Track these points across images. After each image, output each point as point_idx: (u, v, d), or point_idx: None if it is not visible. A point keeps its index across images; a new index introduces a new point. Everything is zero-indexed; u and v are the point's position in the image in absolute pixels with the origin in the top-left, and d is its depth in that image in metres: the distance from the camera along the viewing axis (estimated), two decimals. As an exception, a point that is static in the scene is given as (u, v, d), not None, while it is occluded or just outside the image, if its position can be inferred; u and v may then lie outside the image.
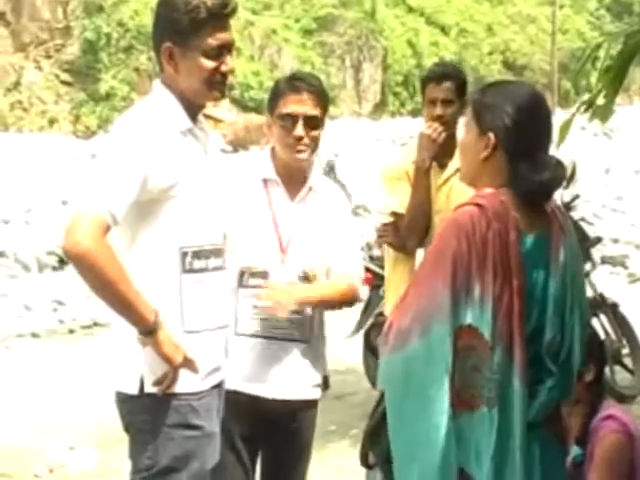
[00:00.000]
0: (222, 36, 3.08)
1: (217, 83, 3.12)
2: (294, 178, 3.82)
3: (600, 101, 3.90)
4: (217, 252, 3.16)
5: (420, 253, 3.05)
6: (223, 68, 3.10)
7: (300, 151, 3.74)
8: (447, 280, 2.60)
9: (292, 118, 3.72)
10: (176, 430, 3.01)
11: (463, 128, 2.93)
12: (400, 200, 4.51)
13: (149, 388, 3.00)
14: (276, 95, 3.82)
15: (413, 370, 2.62)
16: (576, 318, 2.76)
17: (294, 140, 3.73)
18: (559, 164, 2.77)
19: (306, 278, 3.76)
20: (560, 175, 2.76)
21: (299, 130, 3.71)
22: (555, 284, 2.71)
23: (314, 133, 3.75)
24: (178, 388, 3.01)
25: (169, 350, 2.95)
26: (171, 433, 3.00)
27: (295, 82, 3.78)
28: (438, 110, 4.47)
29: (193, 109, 3.13)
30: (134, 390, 3.02)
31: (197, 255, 3.08)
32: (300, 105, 3.72)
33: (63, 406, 7.87)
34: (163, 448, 3.01)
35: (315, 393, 3.86)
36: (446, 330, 2.59)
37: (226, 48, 3.10)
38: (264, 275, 3.73)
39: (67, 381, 8.83)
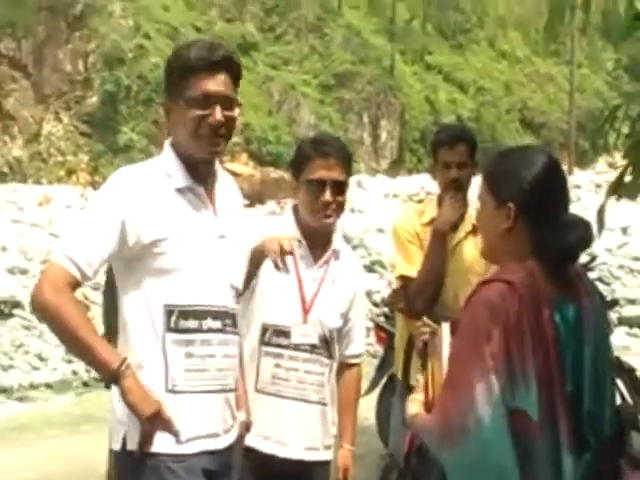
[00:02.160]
0: (208, 86, 3.04)
1: (205, 135, 3.04)
2: (318, 240, 3.83)
3: (627, 178, 3.88)
4: (217, 314, 3.07)
5: (445, 328, 2.95)
6: (210, 119, 3.03)
7: (328, 216, 3.76)
8: (489, 364, 2.52)
9: (320, 184, 3.73)
10: None
11: (477, 202, 2.85)
12: (410, 264, 4.51)
13: (131, 445, 2.96)
14: (302, 159, 3.82)
15: (479, 461, 2.52)
16: (608, 385, 2.72)
17: (322, 205, 3.74)
18: (584, 223, 2.71)
19: (325, 341, 3.78)
20: (587, 234, 2.70)
21: (327, 196, 3.72)
22: (590, 351, 2.65)
23: (341, 198, 3.77)
24: (155, 448, 2.95)
25: (135, 400, 2.89)
26: None
27: (322, 147, 3.78)
28: (453, 174, 4.48)
29: (196, 167, 3.09)
30: (118, 446, 2.99)
31: (185, 315, 3.01)
32: (328, 171, 3.73)
33: (74, 461, 7.83)
34: None
35: (327, 454, 3.87)
36: (501, 414, 2.52)
37: (214, 99, 3.04)
38: (287, 334, 3.74)
39: (78, 434, 8.80)
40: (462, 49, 43.26)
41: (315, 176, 3.75)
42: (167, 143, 3.14)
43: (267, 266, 3.71)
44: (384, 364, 7.39)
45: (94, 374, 11.98)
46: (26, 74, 31.42)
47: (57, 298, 2.86)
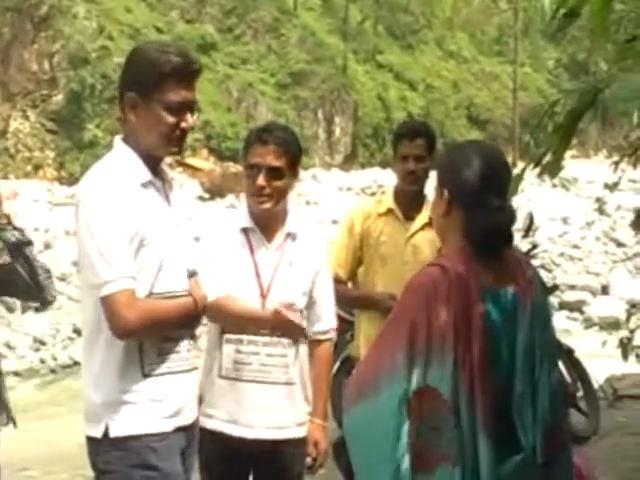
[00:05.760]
0: (184, 93, 3.06)
1: (175, 138, 3.08)
2: (271, 225, 3.78)
3: (550, 157, 3.95)
4: (182, 297, 3.11)
5: None
6: (183, 124, 3.07)
7: (262, 201, 3.71)
8: (404, 344, 2.57)
9: (256, 168, 3.70)
10: (135, 470, 2.99)
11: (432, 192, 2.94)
12: (336, 263, 4.57)
13: (114, 432, 2.99)
14: (246, 146, 3.80)
15: (366, 425, 2.62)
16: (545, 371, 2.71)
17: (257, 190, 3.70)
18: (505, 206, 2.74)
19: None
20: (508, 216, 2.74)
21: (260, 180, 3.68)
22: (524, 337, 2.66)
23: (277, 183, 3.70)
24: (140, 429, 2.99)
25: (227, 323, 3.34)
26: (130, 473, 2.99)
27: (262, 134, 3.75)
28: (411, 166, 4.48)
29: (152, 162, 3.11)
30: (99, 433, 3.01)
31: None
32: (263, 156, 3.69)
33: (42, 445, 7.79)
34: None
35: (300, 432, 3.79)
36: (396, 392, 2.57)
37: (187, 105, 3.07)
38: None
39: (46, 419, 8.75)
40: (412, 49, 43.45)
41: (252, 161, 3.72)
42: (119, 141, 3.14)
43: (223, 259, 3.70)
44: (337, 349, 7.39)
45: (61, 361, 11.92)
46: (-7, 73, 31.10)
47: (140, 319, 2.94)
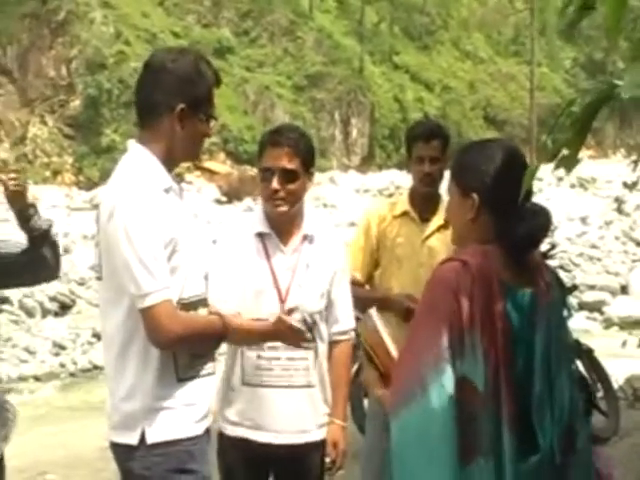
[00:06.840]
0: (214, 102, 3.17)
1: (201, 145, 3.18)
2: (287, 229, 3.74)
3: (565, 152, 3.93)
4: (204, 302, 3.12)
5: (373, 312, 2.97)
6: (210, 133, 3.17)
7: (277, 205, 3.67)
8: (444, 334, 2.55)
9: (269, 171, 3.66)
10: (174, 475, 2.99)
11: (447, 193, 2.85)
12: (352, 265, 4.50)
13: (151, 439, 2.98)
14: (260, 149, 3.77)
15: (418, 427, 2.56)
16: (562, 371, 2.71)
17: (271, 193, 3.66)
18: (542, 211, 2.72)
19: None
20: (544, 222, 2.71)
21: (274, 183, 3.63)
22: (541, 337, 2.65)
23: (291, 186, 3.66)
24: (177, 434, 2.99)
25: (242, 341, 3.29)
26: (170, 478, 2.98)
27: (275, 136, 3.71)
28: (427, 168, 4.43)
29: (171, 166, 3.11)
30: (133, 440, 2.99)
31: (188, 307, 3.03)
32: (277, 159, 3.65)
33: (61, 449, 7.80)
34: None
35: (321, 433, 3.77)
36: (447, 384, 2.54)
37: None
38: None
39: (65, 423, 8.77)
40: (428, 50, 43.42)
41: (265, 164, 3.68)
42: (136, 145, 3.09)
43: (239, 264, 3.68)
44: (355, 348, 7.39)
45: (80, 365, 11.96)
46: (11, 79, 31.26)
47: (183, 329, 2.95)
